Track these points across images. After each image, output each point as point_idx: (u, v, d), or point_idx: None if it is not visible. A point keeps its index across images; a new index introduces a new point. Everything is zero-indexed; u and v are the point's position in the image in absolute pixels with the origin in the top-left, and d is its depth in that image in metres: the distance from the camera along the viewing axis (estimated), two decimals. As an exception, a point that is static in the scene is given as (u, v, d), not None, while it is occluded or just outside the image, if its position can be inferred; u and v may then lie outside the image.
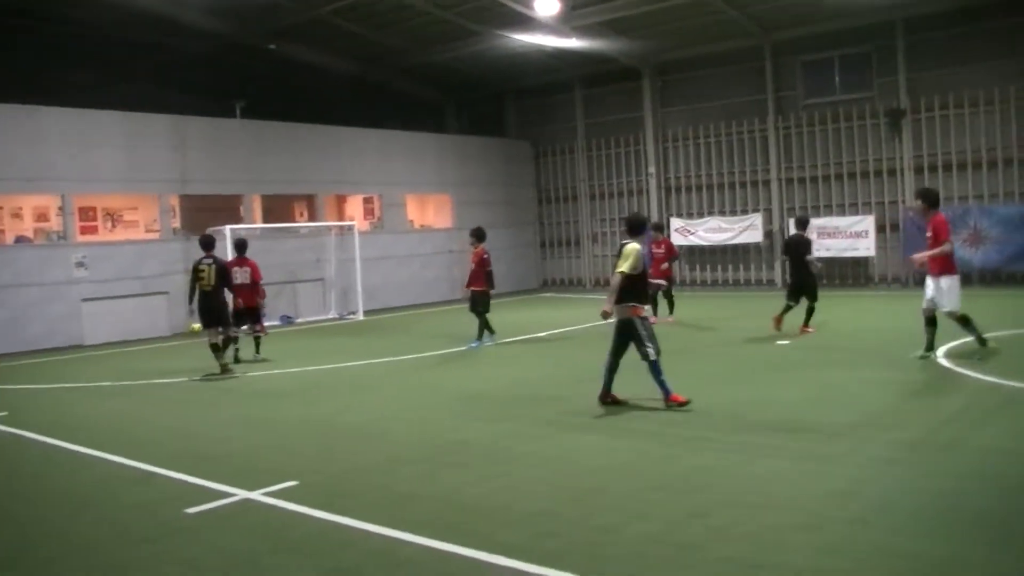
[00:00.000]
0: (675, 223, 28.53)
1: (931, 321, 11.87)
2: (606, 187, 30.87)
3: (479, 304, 16.50)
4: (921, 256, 11.85)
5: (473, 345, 16.30)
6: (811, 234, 16.99)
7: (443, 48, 28.02)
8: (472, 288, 16.58)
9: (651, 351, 9.44)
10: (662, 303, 18.74)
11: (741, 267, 27.91)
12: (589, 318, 19.75)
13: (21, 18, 24.20)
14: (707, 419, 8.92)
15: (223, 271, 14.56)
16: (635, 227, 10.14)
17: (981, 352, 11.67)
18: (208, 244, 14.64)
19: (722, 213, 27.99)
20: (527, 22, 24.53)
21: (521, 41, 26.10)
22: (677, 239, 28.39)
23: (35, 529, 6.53)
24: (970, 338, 11.89)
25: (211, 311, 14.36)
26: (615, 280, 9.52)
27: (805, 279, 15.40)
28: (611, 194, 30.78)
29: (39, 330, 19.98)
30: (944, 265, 11.68)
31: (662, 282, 18.25)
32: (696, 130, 28.52)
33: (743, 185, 27.74)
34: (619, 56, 27.84)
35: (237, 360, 15.35)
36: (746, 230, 27.01)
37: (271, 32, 26.19)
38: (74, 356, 18.62)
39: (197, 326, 16.03)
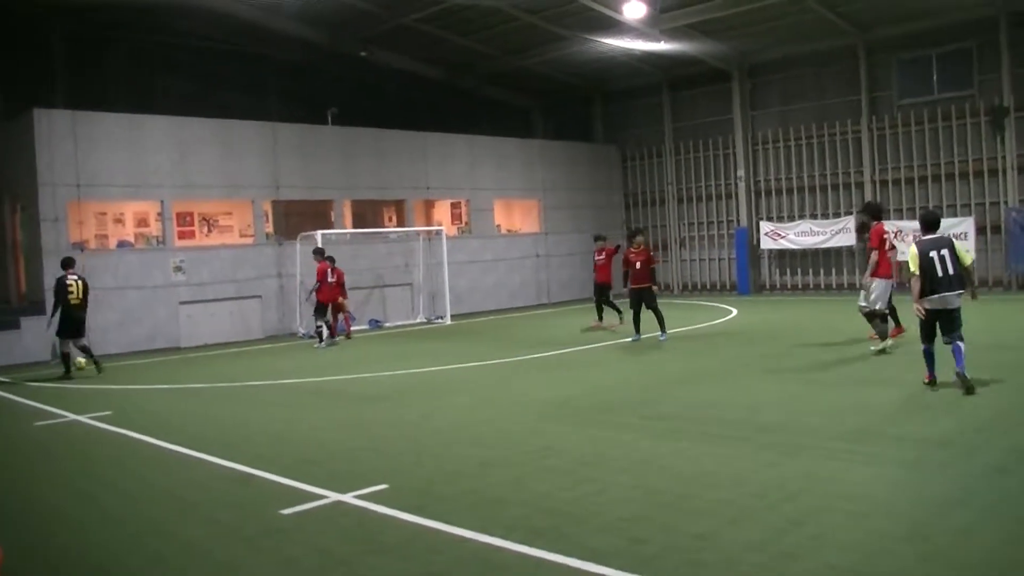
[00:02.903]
0: (765, 227, 28.08)
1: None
2: (694, 191, 30.55)
3: (653, 299, 17.15)
4: None
5: (662, 338, 16.95)
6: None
7: (531, 53, 28.10)
8: (640, 286, 17.13)
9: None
10: (608, 309, 20.19)
11: (833, 271, 27.30)
12: (679, 323, 19.57)
13: (120, 30, 25.09)
14: (802, 424, 8.73)
15: (87, 287, 16.39)
16: (933, 224, 10.45)
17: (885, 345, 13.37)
18: (70, 263, 16.39)
19: (813, 216, 27.43)
20: (615, 26, 24.44)
21: (609, 45, 26.02)
22: (767, 243, 27.97)
23: (141, 527, 6.72)
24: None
25: (79, 323, 16.12)
26: (970, 272, 10.30)
27: None
28: (699, 198, 30.44)
29: (141, 332, 20.65)
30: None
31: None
32: (787, 132, 28.03)
33: (835, 187, 27.16)
34: (708, 58, 27.54)
35: (79, 368, 16.53)
36: (838, 233, 26.38)
37: (361, 40, 26.64)
38: (173, 358, 19.18)
39: (83, 360, 16.76)
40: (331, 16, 24.86)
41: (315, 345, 19.39)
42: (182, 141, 21.76)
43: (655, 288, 17.38)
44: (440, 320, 24.78)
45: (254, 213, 23.16)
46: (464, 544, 5.81)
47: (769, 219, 28.38)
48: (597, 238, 21.25)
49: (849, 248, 26.54)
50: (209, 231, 23.71)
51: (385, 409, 11.33)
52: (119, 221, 22.31)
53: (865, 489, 6.47)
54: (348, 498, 6.97)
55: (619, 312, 19.84)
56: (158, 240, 21.79)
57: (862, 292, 14.12)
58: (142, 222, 22.47)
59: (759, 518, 5.93)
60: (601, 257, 20.54)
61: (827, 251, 27.06)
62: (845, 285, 26.84)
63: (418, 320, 25.20)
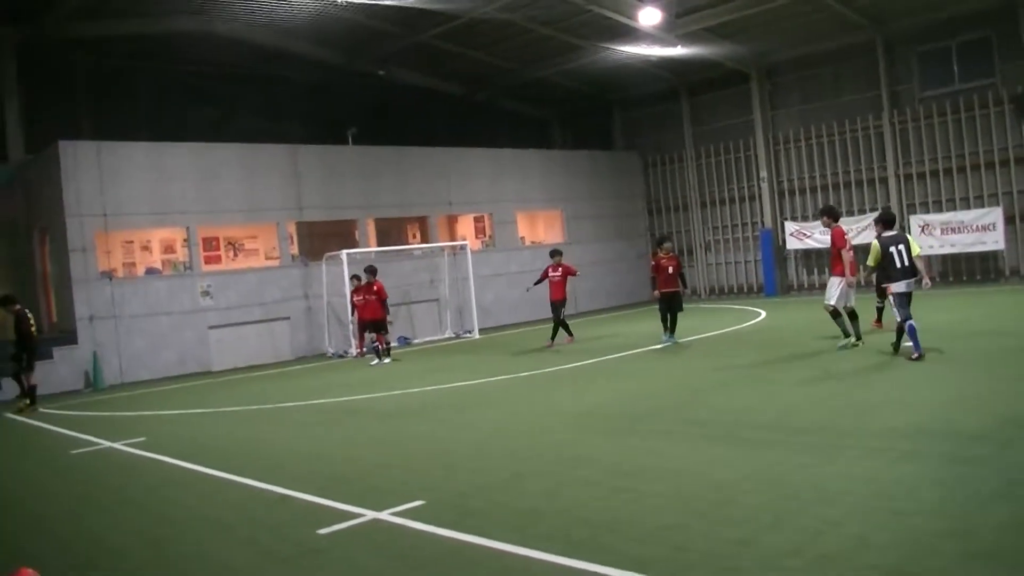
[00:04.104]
0: (789, 227, 27.93)
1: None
2: (717, 194, 30.45)
3: (681, 303, 17.60)
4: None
5: (668, 342, 17.20)
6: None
7: (547, 64, 28.16)
8: (673, 290, 17.32)
9: None
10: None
11: (860, 268, 27.02)
12: (706, 328, 19.49)
13: (141, 59, 25.37)
14: (836, 425, 8.64)
15: None
16: (891, 222, 12.84)
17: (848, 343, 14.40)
18: (13, 299, 16.84)
19: (839, 214, 27.21)
20: (631, 33, 24.43)
21: (626, 52, 26.00)
22: (793, 243, 27.79)
23: (176, 550, 6.74)
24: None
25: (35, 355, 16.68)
26: (922, 262, 12.33)
27: None
28: (722, 201, 30.34)
29: (171, 357, 20.81)
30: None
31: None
32: (808, 131, 27.90)
33: (859, 184, 26.97)
34: (725, 61, 27.48)
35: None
36: (864, 231, 26.12)
37: (378, 59, 26.78)
38: (203, 382, 19.30)
39: (25, 403, 16.70)
40: (347, 37, 25.03)
41: (385, 360, 19.37)
42: (205, 167, 21.95)
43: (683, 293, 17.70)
44: (468, 334, 24.79)
45: (278, 235, 23.31)
46: (503, 558, 5.77)
47: (794, 219, 28.23)
48: (553, 253, 20.55)
49: (876, 245, 26.26)
50: (235, 255, 23.88)
51: (418, 424, 11.33)
52: (146, 248, 22.52)
53: (904, 487, 6.37)
54: (385, 515, 6.95)
55: (569, 333, 19.75)
56: (185, 266, 21.97)
57: (844, 291, 15.26)
58: (169, 248, 22.68)
59: (798, 521, 5.86)
60: (557, 274, 19.83)
61: (854, 248, 26.78)
62: (873, 282, 26.54)
63: (446, 335, 25.22)
